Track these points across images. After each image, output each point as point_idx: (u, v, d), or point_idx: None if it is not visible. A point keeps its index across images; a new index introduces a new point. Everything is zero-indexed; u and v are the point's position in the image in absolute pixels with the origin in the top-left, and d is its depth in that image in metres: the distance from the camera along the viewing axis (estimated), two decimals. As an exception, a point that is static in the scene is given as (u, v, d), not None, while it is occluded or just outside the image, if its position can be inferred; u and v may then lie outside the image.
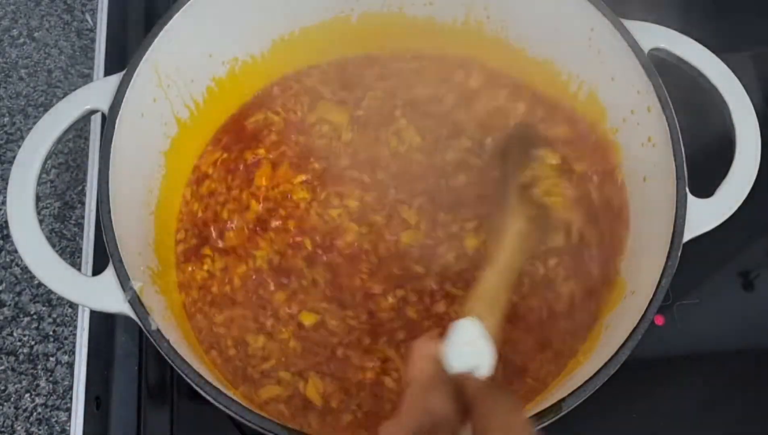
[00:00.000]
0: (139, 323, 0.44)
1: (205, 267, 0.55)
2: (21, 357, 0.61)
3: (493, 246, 0.45)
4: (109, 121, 0.49)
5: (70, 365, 0.61)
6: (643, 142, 0.51)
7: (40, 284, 0.62)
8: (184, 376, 0.42)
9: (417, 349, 0.36)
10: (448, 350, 0.36)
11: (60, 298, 0.63)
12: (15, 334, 0.62)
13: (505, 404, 0.33)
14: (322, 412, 0.50)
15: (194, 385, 0.42)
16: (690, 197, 0.47)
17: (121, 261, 0.45)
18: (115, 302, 0.44)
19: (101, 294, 0.44)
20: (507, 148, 0.53)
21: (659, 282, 0.44)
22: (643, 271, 0.48)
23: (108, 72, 0.62)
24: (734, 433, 0.55)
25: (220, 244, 0.55)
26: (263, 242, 0.55)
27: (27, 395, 0.60)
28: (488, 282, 0.42)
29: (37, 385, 0.60)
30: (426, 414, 0.31)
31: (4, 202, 0.65)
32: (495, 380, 0.42)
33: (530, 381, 0.50)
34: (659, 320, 0.56)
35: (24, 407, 0.60)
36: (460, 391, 0.34)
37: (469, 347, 0.37)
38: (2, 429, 0.59)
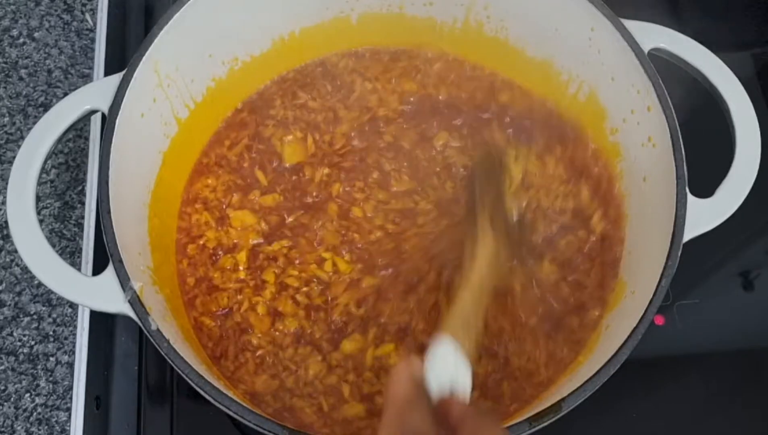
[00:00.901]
0: (139, 323, 0.44)
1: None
2: (21, 357, 0.61)
3: (467, 267, 0.46)
4: (109, 121, 0.49)
5: (70, 365, 0.60)
6: (643, 142, 0.51)
7: (40, 284, 0.62)
8: (184, 376, 0.42)
9: (397, 371, 0.36)
10: (428, 370, 0.37)
11: (60, 298, 0.63)
12: (15, 334, 0.62)
13: (488, 426, 0.34)
14: None
15: (194, 385, 0.42)
16: (690, 197, 0.47)
17: (121, 261, 0.45)
18: (115, 302, 0.44)
19: (101, 294, 0.44)
20: (473, 173, 0.54)
21: (659, 282, 0.45)
22: (643, 271, 0.48)
23: (108, 72, 0.62)
24: (734, 433, 0.55)
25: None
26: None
27: (27, 395, 0.60)
28: (463, 301, 0.44)
29: (37, 385, 0.60)
30: (404, 432, 0.32)
31: (4, 202, 0.65)
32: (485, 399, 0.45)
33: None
34: (659, 320, 0.56)
35: (24, 407, 0.60)
36: (445, 414, 0.35)
37: (447, 366, 0.37)
38: (2, 429, 0.59)
